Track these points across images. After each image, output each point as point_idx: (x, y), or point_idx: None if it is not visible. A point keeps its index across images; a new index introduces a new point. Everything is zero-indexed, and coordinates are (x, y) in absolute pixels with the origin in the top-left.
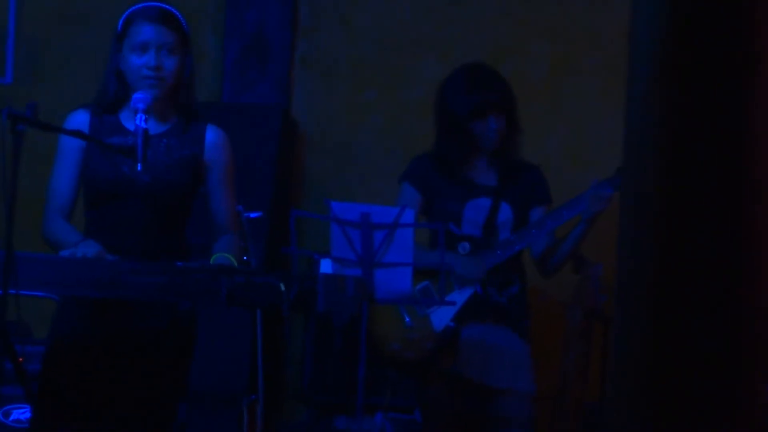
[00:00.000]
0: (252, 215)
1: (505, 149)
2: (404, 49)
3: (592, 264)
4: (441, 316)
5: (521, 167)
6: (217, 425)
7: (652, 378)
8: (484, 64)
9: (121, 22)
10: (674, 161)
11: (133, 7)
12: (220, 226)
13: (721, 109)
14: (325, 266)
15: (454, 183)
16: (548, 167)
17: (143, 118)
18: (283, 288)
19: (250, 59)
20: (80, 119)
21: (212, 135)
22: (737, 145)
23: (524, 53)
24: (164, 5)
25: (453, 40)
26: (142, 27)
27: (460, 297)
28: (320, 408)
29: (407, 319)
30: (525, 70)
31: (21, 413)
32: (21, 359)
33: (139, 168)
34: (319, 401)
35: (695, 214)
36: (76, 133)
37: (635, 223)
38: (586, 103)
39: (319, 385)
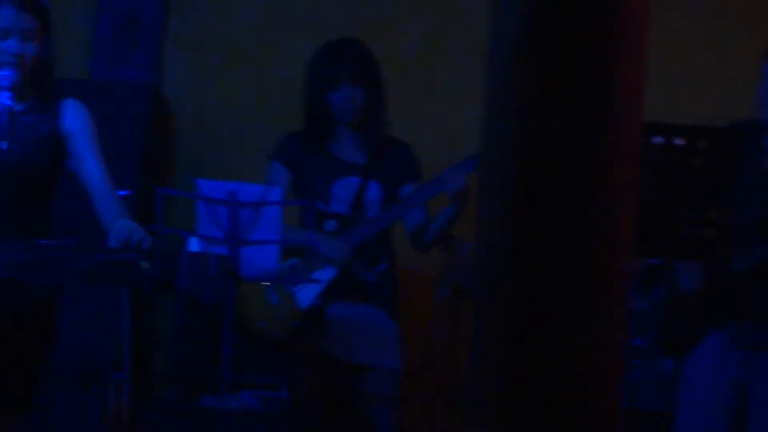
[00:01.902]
0: (120, 193)
1: (370, 124)
2: (276, 27)
3: (461, 242)
4: (306, 295)
5: (391, 144)
6: (82, 404)
7: (509, 356)
8: (350, 39)
9: None
10: (531, 142)
11: None
12: (99, 191)
13: (580, 88)
14: (193, 245)
15: (322, 161)
16: (422, 146)
17: (7, 95)
18: (145, 266)
19: (122, 37)
20: None
21: (70, 108)
22: (596, 125)
23: (397, 32)
24: None
25: (325, 18)
26: (4, 11)
27: (325, 275)
28: (188, 386)
29: (273, 297)
30: (398, 48)
31: None
32: None
33: (5, 146)
34: (187, 379)
35: (552, 195)
36: None
37: (492, 202)
38: (460, 82)
39: (186, 364)
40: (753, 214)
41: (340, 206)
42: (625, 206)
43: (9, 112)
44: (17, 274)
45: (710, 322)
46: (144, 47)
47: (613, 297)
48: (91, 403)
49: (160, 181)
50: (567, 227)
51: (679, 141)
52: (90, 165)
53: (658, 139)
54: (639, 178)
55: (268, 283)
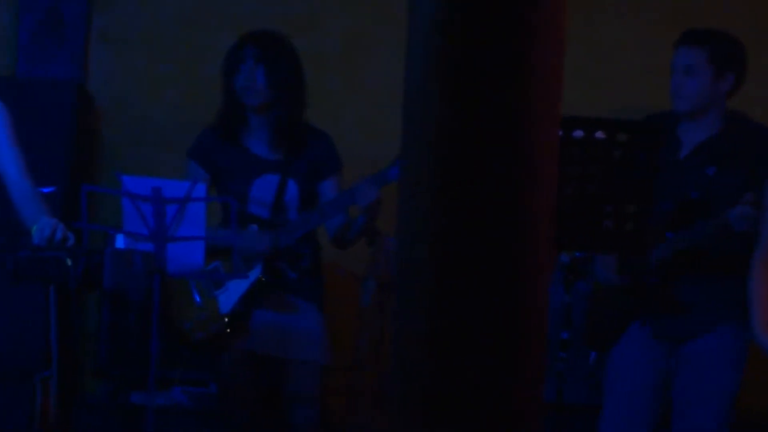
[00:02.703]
0: (45, 190)
1: (282, 113)
2: (201, 23)
3: (386, 236)
4: (228, 298)
5: (309, 135)
6: (8, 402)
7: (430, 350)
8: (265, 29)
9: None
10: (450, 138)
11: None
12: (16, 186)
13: (498, 84)
14: (119, 241)
15: (238, 158)
16: (345, 143)
17: None
18: (69, 263)
19: (46, 33)
20: None
21: None
22: (514, 119)
23: (319, 28)
24: None
25: (248, 15)
26: None
27: (252, 275)
28: (117, 383)
29: (197, 299)
30: (320, 45)
31: None
32: None
33: None
34: (116, 376)
35: (471, 189)
36: None
37: (413, 197)
38: (382, 77)
39: (115, 360)
40: (669, 205)
41: (260, 209)
42: (544, 200)
43: None
44: None
45: (632, 314)
46: (68, 44)
47: (533, 290)
48: (18, 401)
49: (86, 178)
50: (487, 221)
51: (599, 134)
52: (5, 160)
53: (578, 133)
54: (558, 172)
55: (192, 283)
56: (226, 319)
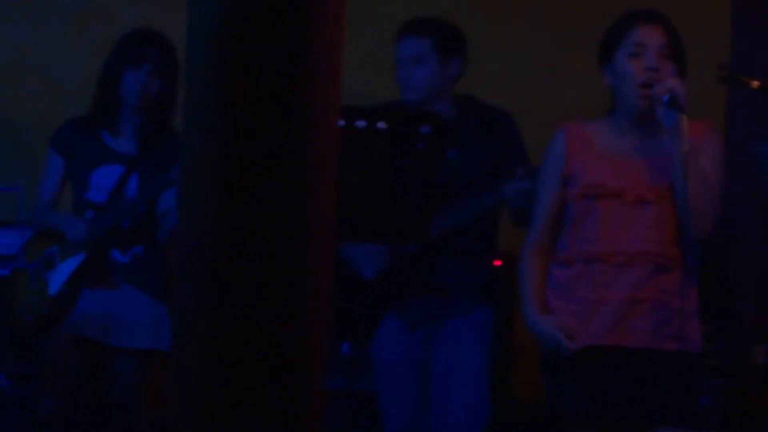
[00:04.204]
0: None
1: (155, 115)
2: None
3: None
4: (56, 281)
5: (164, 137)
6: None
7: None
8: (163, 35)
9: None
10: (229, 131)
11: None
12: None
13: (276, 76)
14: None
15: (90, 147)
16: None
17: None
18: None
19: None
20: None
21: None
22: (293, 111)
23: (111, 17)
24: None
25: (42, 3)
26: None
27: (75, 261)
28: None
29: (33, 283)
30: (113, 34)
31: None
32: None
33: None
34: None
35: (251, 182)
36: None
37: (192, 191)
38: None
39: None
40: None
41: (99, 195)
42: (325, 190)
43: None
44: None
45: (385, 304)
46: None
47: (314, 282)
48: None
49: None
50: (267, 213)
51: (381, 125)
52: None
53: (361, 123)
54: (341, 162)
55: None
56: (52, 302)
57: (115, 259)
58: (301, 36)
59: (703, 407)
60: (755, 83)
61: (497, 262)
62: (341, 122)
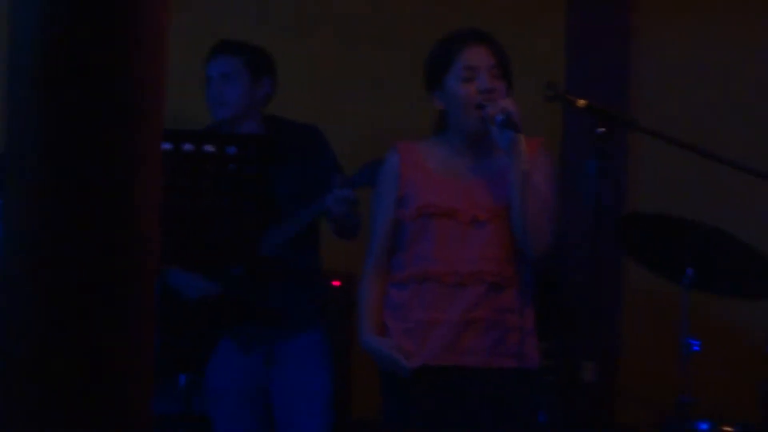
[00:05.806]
0: None
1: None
2: None
3: None
4: None
5: None
6: None
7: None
8: None
9: None
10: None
11: None
12: None
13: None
14: None
15: None
16: None
17: None
18: None
19: None
20: None
21: None
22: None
23: None
24: None
25: None
26: None
27: None
28: None
29: None
30: None
31: None
32: None
33: None
34: None
35: (75, 204)
36: None
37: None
38: None
39: None
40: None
41: None
42: (147, 214)
43: None
44: None
45: (218, 329)
46: None
47: (138, 304)
48: None
49: None
50: (91, 234)
51: (208, 148)
52: None
53: (188, 147)
54: (168, 186)
55: None
56: None
57: None
58: (122, 50)
59: (540, 424)
60: (581, 102)
61: (336, 283)
62: (168, 146)
